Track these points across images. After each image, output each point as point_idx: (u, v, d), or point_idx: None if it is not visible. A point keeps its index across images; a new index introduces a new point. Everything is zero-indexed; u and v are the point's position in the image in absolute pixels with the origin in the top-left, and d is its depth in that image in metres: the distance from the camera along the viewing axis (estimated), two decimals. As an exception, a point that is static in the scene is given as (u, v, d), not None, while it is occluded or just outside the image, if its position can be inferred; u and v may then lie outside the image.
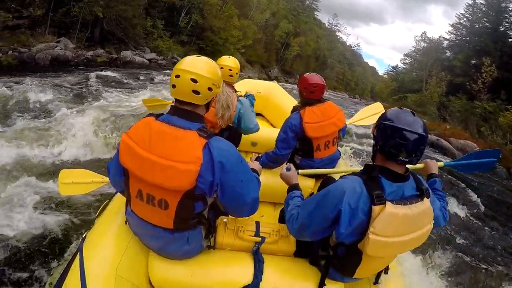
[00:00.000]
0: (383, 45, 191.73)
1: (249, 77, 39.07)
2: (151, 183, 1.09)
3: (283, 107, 3.21)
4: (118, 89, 8.94)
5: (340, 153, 2.33)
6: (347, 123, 2.38)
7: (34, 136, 4.04)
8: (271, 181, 1.99)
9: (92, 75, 10.62)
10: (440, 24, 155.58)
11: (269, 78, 47.91)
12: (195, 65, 1.16)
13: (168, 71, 17.48)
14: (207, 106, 1.25)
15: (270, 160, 2.09)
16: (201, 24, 27.07)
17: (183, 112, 1.16)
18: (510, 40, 24.16)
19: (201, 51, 29.73)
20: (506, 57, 21.91)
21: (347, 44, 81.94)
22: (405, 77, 39.47)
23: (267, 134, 2.64)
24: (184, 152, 1.06)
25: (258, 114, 3.17)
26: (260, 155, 2.15)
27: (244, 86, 3.33)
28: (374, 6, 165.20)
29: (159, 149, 1.07)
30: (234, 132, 2.15)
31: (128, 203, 1.25)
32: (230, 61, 2.16)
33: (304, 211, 1.23)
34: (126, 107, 6.74)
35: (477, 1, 27.73)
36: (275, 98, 3.52)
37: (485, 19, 26.13)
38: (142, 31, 21.58)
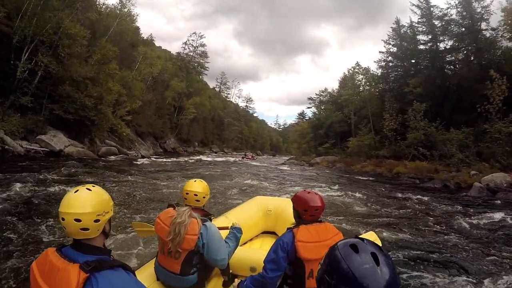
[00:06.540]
0: (261, 99, 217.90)
1: (142, 156, 25.97)
2: None
3: None
4: None
5: None
6: None
7: None
8: None
9: None
10: (308, 71, 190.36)
11: (165, 152, 36.66)
12: (74, 203, 1.19)
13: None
14: (105, 232, 1.28)
15: (255, 285, 1.90)
16: (56, 73, 14.49)
17: (78, 245, 1.21)
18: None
19: (59, 123, 16.43)
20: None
21: (235, 102, 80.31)
22: (328, 120, 36.16)
23: None
24: (61, 286, 1.10)
25: (270, 233, 3.53)
26: (241, 280, 2.07)
27: (254, 204, 3.69)
28: (250, 67, 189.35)
29: (50, 281, 1.14)
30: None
31: None
32: (195, 186, 2.19)
33: None
34: None
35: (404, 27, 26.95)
36: (288, 216, 3.26)
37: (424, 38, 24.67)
38: None
